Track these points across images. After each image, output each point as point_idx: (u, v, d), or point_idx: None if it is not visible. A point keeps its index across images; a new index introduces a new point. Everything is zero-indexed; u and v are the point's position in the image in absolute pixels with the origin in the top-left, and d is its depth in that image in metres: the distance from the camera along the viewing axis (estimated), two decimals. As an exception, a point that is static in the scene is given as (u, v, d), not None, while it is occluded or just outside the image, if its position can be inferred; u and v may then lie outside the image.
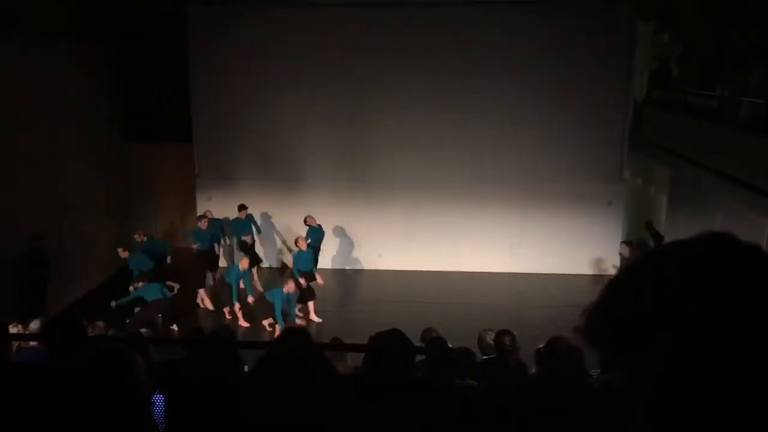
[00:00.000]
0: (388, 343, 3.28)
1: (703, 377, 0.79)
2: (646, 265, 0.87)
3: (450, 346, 5.68)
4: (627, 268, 0.89)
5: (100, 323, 7.37)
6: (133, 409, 1.43)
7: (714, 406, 0.79)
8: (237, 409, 2.69)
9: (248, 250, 13.25)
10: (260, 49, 13.96)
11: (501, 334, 5.90)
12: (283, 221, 14.73)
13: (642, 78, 14.21)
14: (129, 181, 15.24)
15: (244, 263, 11.92)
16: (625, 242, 12.86)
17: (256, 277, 13.15)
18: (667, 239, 12.78)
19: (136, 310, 10.87)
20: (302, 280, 11.71)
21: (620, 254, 12.55)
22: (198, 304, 12.35)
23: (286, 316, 11.04)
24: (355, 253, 14.88)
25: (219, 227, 13.46)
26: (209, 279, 12.88)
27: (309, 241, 12.71)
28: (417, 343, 5.86)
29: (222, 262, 13.69)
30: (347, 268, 14.82)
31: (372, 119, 14.13)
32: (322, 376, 1.44)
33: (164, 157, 15.89)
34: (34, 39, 11.42)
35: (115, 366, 1.48)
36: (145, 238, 12.61)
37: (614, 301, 0.87)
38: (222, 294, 12.51)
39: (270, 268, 14.66)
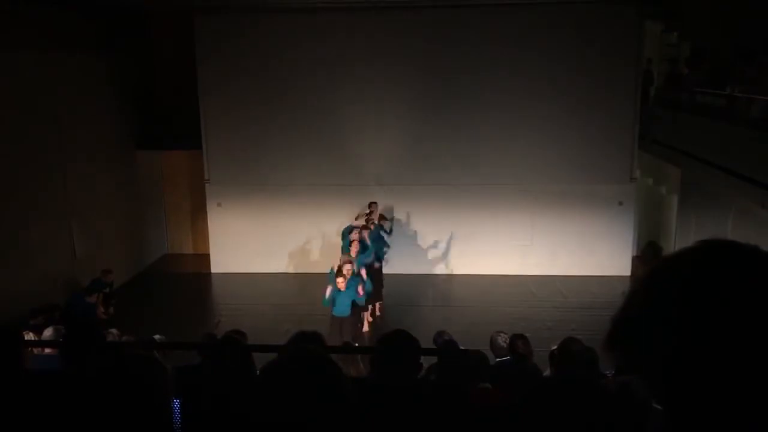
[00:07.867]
0: (394, 344, 3.29)
1: (708, 378, 0.82)
2: (653, 273, 0.91)
3: (462, 348, 5.69)
4: (638, 278, 0.95)
5: (114, 330, 7.40)
6: (156, 414, 1.46)
7: (719, 407, 0.82)
8: (249, 414, 2.71)
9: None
10: (267, 57, 14.03)
11: (515, 338, 5.90)
12: (291, 226, 14.75)
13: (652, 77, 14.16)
14: (140, 188, 15.34)
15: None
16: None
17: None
18: (679, 238, 12.73)
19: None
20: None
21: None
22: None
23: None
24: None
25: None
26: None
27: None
28: (429, 346, 5.88)
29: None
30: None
31: (381, 123, 14.16)
32: (330, 381, 1.45)
33: (174, 163, 16.01)
34: (45, 50, 11.54)
35: (144, 372, 1.50)
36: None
37: (626, 309, 0.92)
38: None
39: (283, 274, 14.69)
